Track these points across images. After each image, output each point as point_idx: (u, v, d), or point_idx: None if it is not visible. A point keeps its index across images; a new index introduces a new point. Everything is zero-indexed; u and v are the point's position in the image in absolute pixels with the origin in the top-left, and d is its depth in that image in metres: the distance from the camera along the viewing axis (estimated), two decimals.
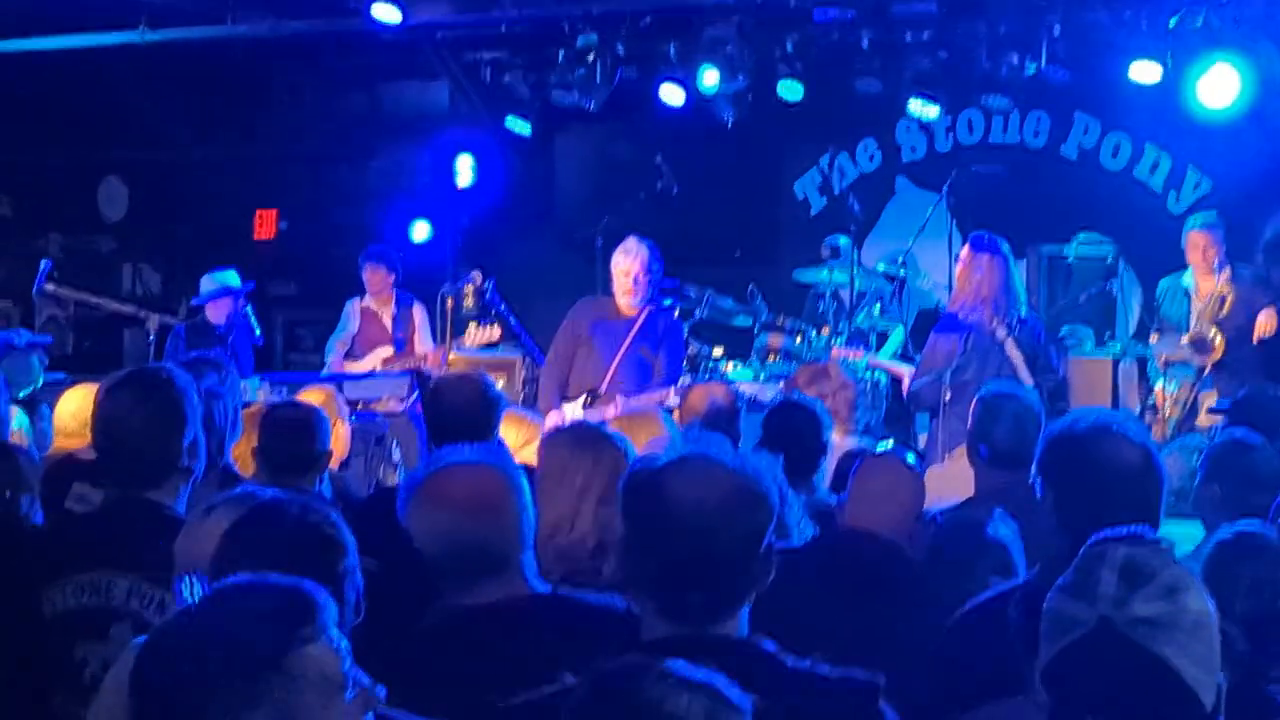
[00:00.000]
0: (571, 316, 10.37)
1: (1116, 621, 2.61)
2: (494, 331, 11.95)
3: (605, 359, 10.05)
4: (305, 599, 2.59)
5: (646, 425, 6.58)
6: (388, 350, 12.29)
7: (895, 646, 3.90)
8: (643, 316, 10.16)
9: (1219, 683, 2.67)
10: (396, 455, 8.96)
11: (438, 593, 3.70)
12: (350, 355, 12.47)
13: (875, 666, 3.10)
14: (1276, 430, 6.23)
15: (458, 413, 5.76)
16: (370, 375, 12.04)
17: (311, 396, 7.23)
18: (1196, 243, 11.01)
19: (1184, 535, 5.79)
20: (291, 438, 5.89)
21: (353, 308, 12.63)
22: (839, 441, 7.61)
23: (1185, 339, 10.82)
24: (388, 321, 12.45)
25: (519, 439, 6.41)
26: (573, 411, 9.82)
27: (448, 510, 3.66)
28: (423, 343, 12.23)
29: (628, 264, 10.13)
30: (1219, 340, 10.71)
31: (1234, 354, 10.84)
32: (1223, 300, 10.84)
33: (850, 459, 6.58)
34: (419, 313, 12.35)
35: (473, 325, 11.95)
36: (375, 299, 12.51)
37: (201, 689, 2.46)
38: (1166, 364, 11.03)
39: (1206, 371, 10.80)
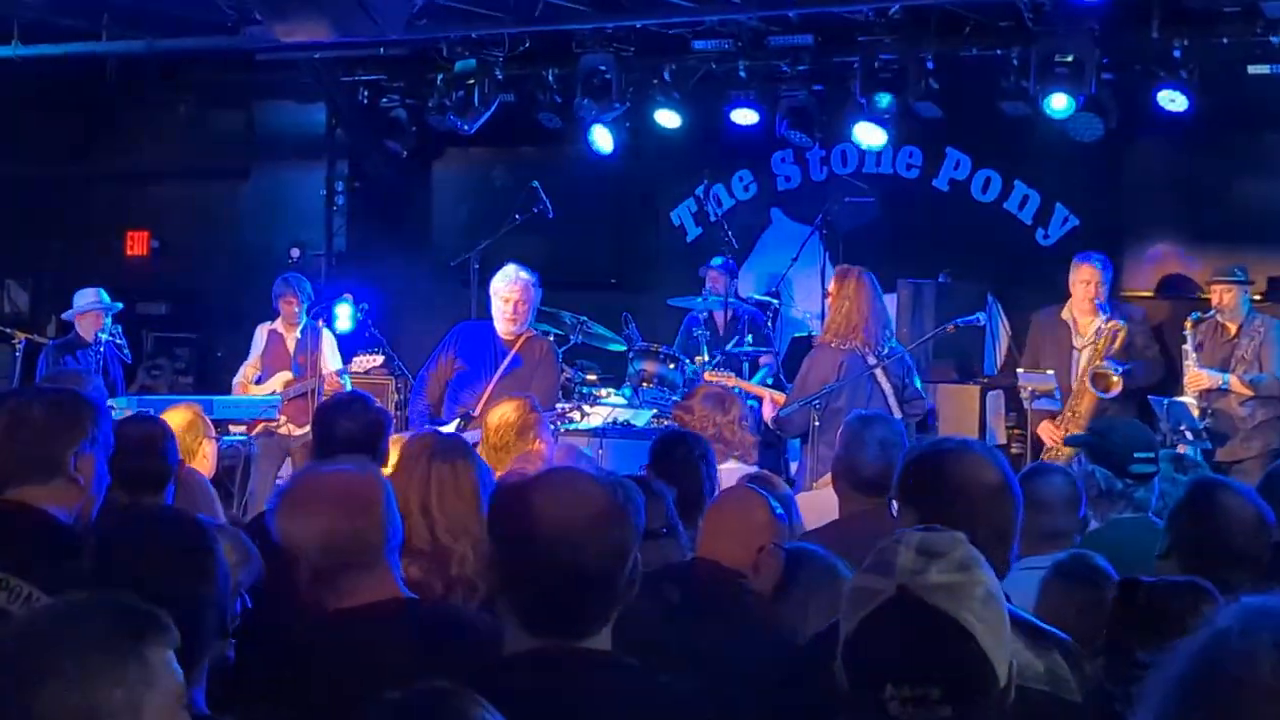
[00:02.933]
0: (449, 338, 10.40)
1: (913, 588, 2.68)
2: (377, 358, 12.00)
3: (481, 382, 10.07)
4: (163, 618, 2.64)
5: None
6: (288, 374, 12.26)
7: (733, 670, 3.91)
8: (520, 342, 10.20)
9: (1010, 660, 2.73)
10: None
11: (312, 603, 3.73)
12: (259, 380, 12.45)
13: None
14: (1127, 455, 6.34)
15: (346, 433, 5.76)
16: (241, 398, 12.05)
17: (177, 415, 7.21)
18: (1088, 277, 11.15)
19: None
20: (135, 452, 5.85)
21: (260, 331, 12.62)
22: (734, 468, 7.62)
23: (1083, 376, 10.95)
24: (291, 345, 12.41)
25: None
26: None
27: (318, 507, 3.72)
28: (326, 365, 12.18)
29: (509, 291, 10.16)
30: (1116, 378, 10.88)
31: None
32: (1115, 335, 11.00)
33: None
34: (326, 336, 12.31)
35: (360, 353, 12.02)
36: (282, 323, 12.50)
37: (65, 656, 2.48)
38: (1034, 395, 11.18)
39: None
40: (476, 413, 9.94)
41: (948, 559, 2.73)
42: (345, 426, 5.80)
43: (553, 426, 10.18)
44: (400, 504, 4.19)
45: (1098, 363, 10.92)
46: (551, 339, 10.96)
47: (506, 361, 10.14)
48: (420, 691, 2.59)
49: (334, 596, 3.69)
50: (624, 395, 11.68)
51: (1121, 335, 11.01)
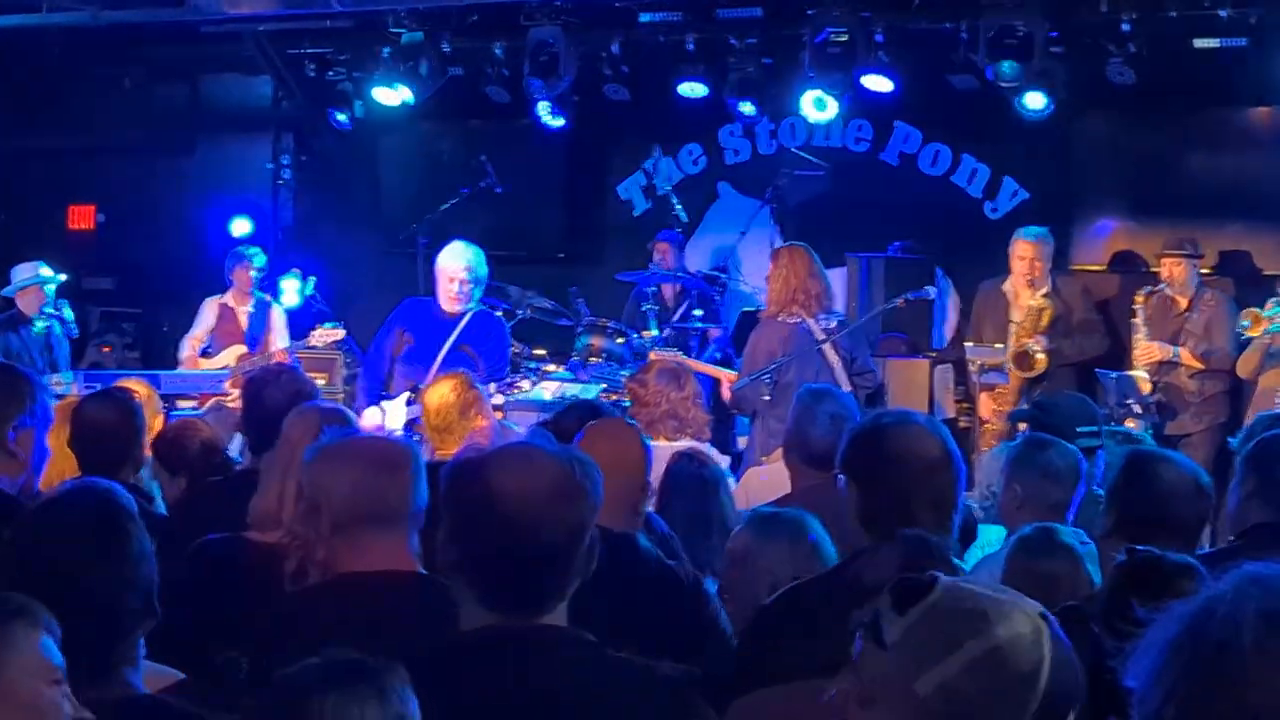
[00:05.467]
0: (396, 314, 10.38)
1: None
2: (339, 332, 11.93)
3: (428, 357, 10.03)
4: (38, 608, 2.93)
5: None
6: (241, 348, 12.20)
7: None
8: (468, 318, 10.18)
9: None
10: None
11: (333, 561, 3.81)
12: (205, 353, 12.38)
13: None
14: (1070, 429, 6.37)
15: (275, 404, 5.72)
16: (188, 373, 11.96)
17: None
18: (1024, 253, 11.19)
19: (998, 538, 5.91)
20: (101, 434, 5.76)
21: (209, 305, 12.54)
22: (688, 446, 7.57)
23: (1008, 355, 11.01)
24: (244, 320, 12.35)
25: None
26: (394, 409, 9.81)
27: (353, 460, 3.82)
28: (278, 341, 12.12)
29: (453, 268, 10.12)
30: (1040, 357, 10.92)
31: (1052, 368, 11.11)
32: (1040, 313, 11.05)
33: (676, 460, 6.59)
34: (276, 312, 12.24)
35: (319, 326, 11.94)
36: (233, 295, 12.43)
37: None
38: (982, 369, 11.22)
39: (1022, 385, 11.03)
40: (424, 387, 9.90)
41: None
42: (273, 397, 5.80)
43: (504, 399, 10.16)
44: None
45: (1024, 340, 10.96)
46: (500, 313, 10.92)
47: (454, 336, 10.11)
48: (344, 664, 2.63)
49: (347, 555, 3.72)
50: (572, 370, 11.65)
51: (1048, 313, 11.04)
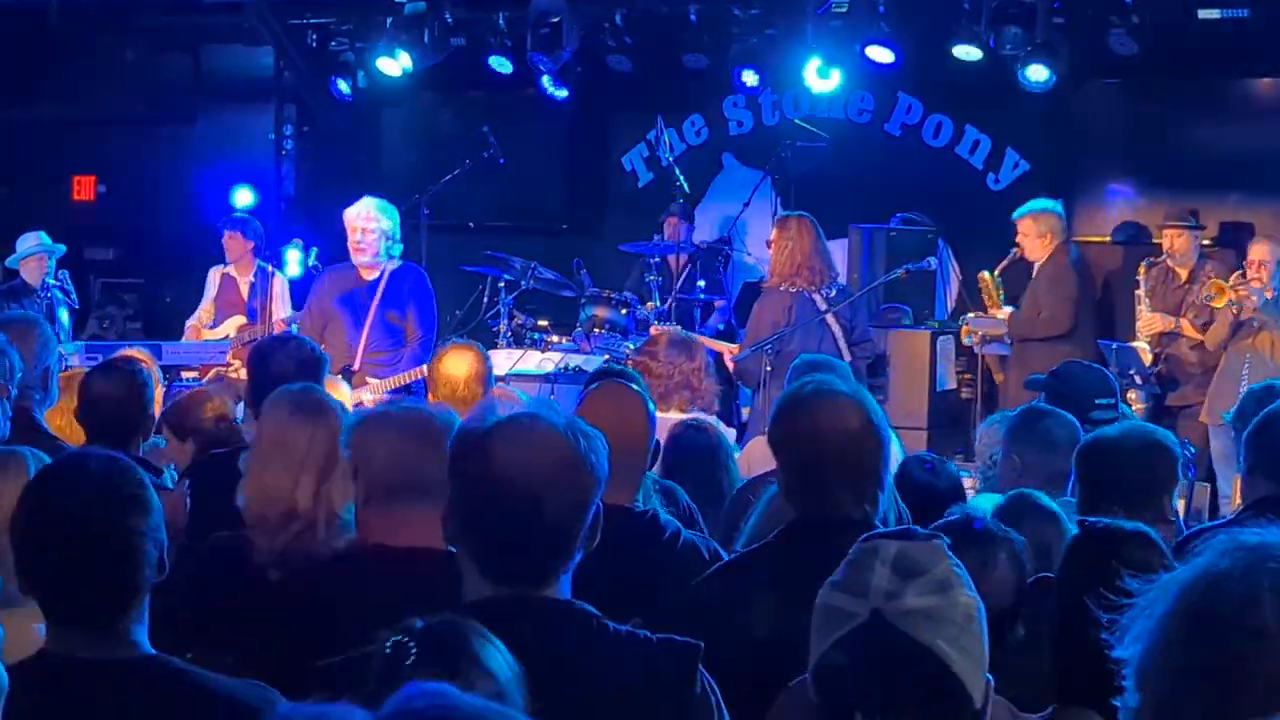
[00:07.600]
0: (314, 291, 10.12)
1: (888, 614, 2.60)
2: None
3: (353, 332, 9.78)
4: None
5: None
6: (241, 318, 12.16)
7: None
8: (385, 278, 9.89)
9: (987, 680, 2.67)
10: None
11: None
12: (211, 325, 12.35)
13: None
14: (1088, 400, 6.36)
15: (280, 370, 5.71)
16: (190, 344, 11.94)
17: None
18: (1017, 227, 11.25)
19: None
20: (110, 406, 5.76)
21: (213, 275, 12.50)
22: (678, 418, 7.56)
23: (1007, 310, 11.09)
24: (245, 289, 12.31)
25: None
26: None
27: (394, 428, 3.83)
28: (279, 310, 12.07)
29: (355, 220, 9.80)
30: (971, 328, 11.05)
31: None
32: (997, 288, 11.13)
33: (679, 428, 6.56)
34: (279, 281, 12.20)
35: None
36: (235, 266, 12.39)
37: None
38: (983, 340, 11.23)
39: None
40: (357, 366, 9.66)
41: (927, 578, 2.64)
42: (280, 364, 5.76)
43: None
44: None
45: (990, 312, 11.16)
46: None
47: (376, 302, 9.79)
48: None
49: (381, 526, 3.73)
50: (575, 341, 11.64)
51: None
